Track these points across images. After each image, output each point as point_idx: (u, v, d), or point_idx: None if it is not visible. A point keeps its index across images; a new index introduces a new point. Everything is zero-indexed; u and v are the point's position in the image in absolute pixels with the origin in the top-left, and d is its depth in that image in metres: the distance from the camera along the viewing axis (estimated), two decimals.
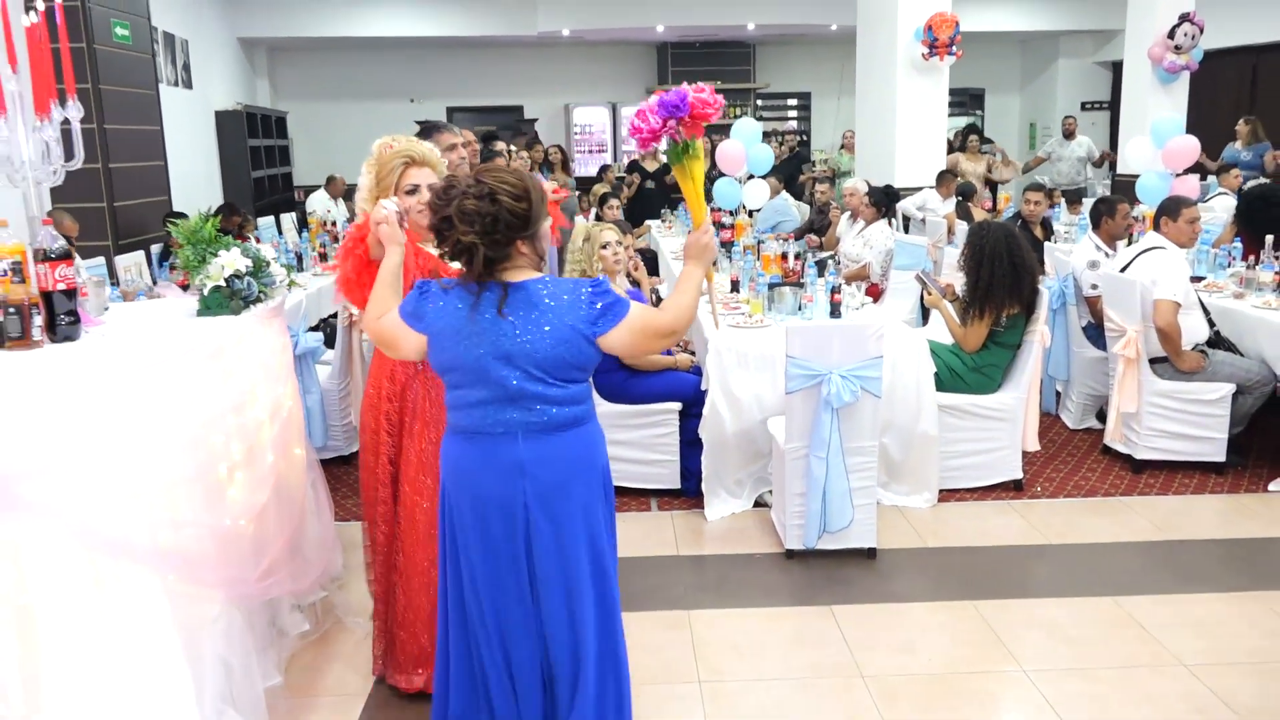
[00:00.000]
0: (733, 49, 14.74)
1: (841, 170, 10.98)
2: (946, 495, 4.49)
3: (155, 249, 7.00)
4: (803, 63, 15.27)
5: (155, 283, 5.88)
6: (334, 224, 8.26)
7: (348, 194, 10.17)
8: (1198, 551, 3.94)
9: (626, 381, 4.52)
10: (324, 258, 7.09)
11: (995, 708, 2.93)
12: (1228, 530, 4.15)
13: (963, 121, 14.06)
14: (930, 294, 4.79)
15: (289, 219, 9.82)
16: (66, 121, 3.07)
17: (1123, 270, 4.83)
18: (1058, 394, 5.68)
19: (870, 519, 3.89)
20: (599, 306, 2.20)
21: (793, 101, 15.75)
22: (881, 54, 8.97)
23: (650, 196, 9.79)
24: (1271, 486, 4.52)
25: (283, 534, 3.08)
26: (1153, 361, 4.69)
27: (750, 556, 3.97)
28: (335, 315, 5.39)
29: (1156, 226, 4.88)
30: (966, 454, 4.54)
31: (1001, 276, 4.37)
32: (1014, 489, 4.58)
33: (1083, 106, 15.05)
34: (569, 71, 14.92)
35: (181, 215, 7.15)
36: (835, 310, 4.68)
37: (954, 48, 8.54)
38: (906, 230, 8.53)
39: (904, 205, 8.72)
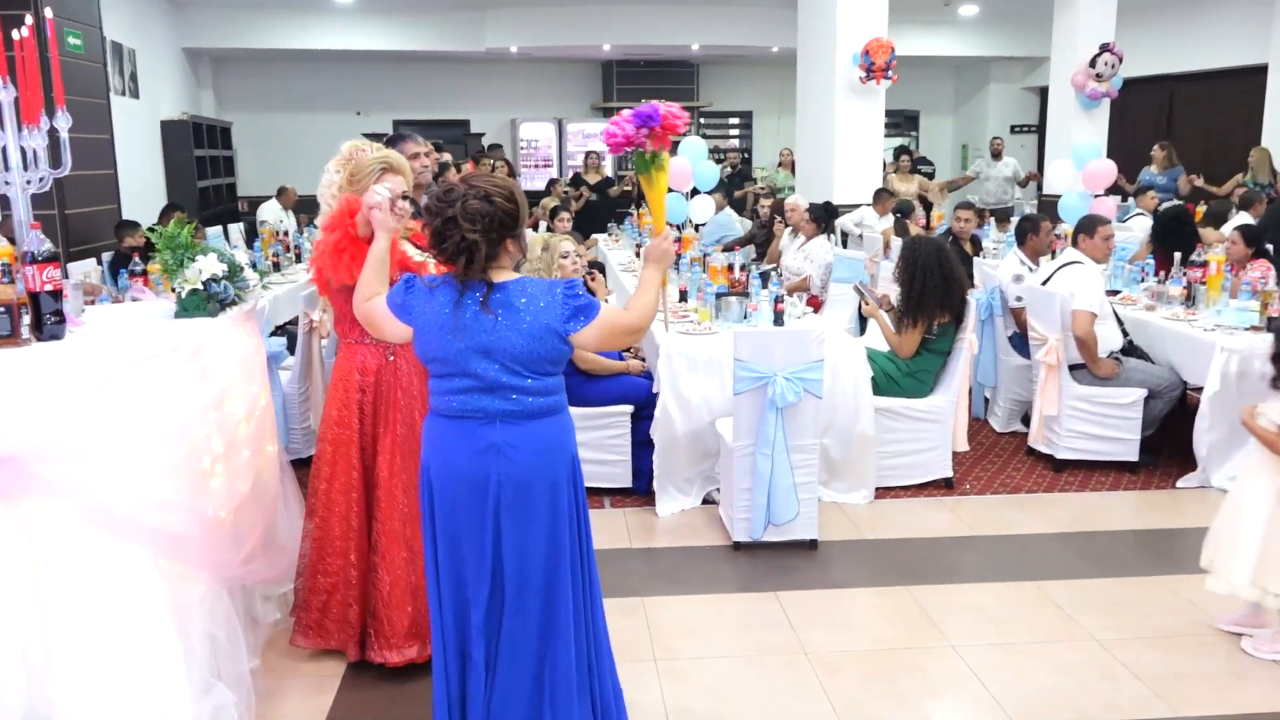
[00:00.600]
0: (676, 68, 15.07)
1: (778, 187, 11.33)
2: (883, 492, 4.77)
3: (107, 256, 7.04)
4: (744, 82, 15.66)
5: (104, 288, 5.96)
6: (286, 234, 8.35)
7: (299, 205, 10.26)
8: (1111, 541, 4.27)
9: (581, 385, 4.73)
10: (277, 267, 7.20)
11: (926, 677, 3.19)
12: (1138, 522, 4.49)
13: (898, 142, 14.56)
14: (868, 304, 5.09)
15: (237, 229, 9.88)
16: (54, 130, 3.21)
17: (1044, 283, 5.18)
18: (986, 400, 6.02)
19: (812, 512, 4.15)
20: (573, 306, 2.40)
21: (734, 120, 16.15)
22: (821, 76, 9.32)
23: (594, 210, 10.03)
24: (1179, 483, 4.88)
25: (259, 525, 3.23)
26: (1072, 368, 5.03)
27: (700, 549, 4.20)
28: (295, 321, 5.53)
29: (1075, 243, 5.24)
30: (901, 454, 4.83)
31: (933, 288, 4.68)
32: (945, 486, 4.88)
33: (1012, 129, 15.67)
34: (516, 87, 15.12)
35: (133, 224, 7.24)
36: (779, 319, 4.94)
37: (890, 72, 8.92)
38: (845, 245, 8.88)
39: (842, 221, 9.07)
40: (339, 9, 12.42)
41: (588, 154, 11.58)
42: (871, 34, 8.88)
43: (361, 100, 14.82)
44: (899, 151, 12.06)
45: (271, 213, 10.02)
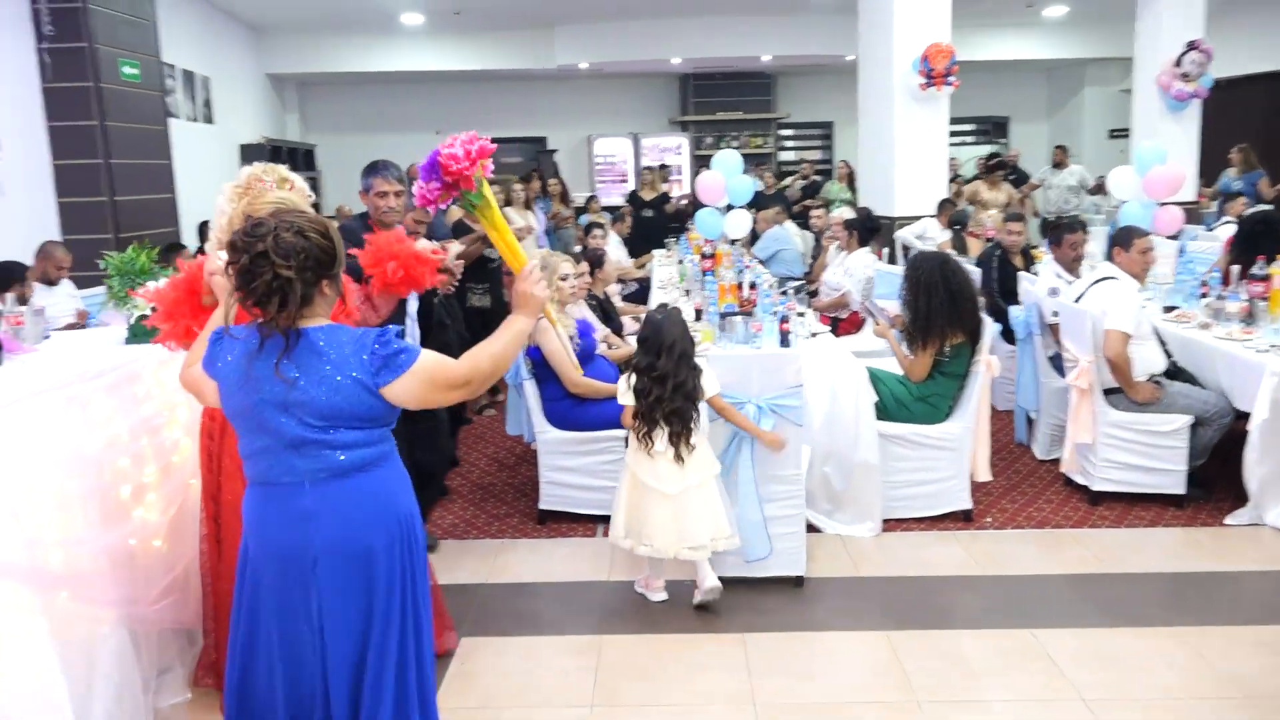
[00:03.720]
0: (753, 79, 14.85)
1: (832, 199, 10.98)
2: (895, 524, 4.48)
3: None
4: (824, 92, 15.31)
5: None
6: None
7: None
8: (1131, 585, 3.87)
9: (573, 409, 4.58)
10: None
11: None
12: (1170, 564, 4.07)
13: (984, 150, 13.98)
14: (878, 324, 4.79)
15: None
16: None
17: (1077, 300, 4.79)
18: (1030, 423, 5.61)
19: (797, 547, 3.89)
20: (382, 357, 2.12)
21: (815, 131, 15.81)
22: (880, 83, 8.99)
23: (650, 226, 9.90)
24: (1228, 520, 4.43)
25: (181, 560, 3.17)
26: (1107, 392, 4.63)
27: (680, 583, 3.98)
28: None
29: (1109, 256, 4.84)
30: (912, 484, 4.52)
31: (939, 305, 4.37)
32: (964, 519, 4.54)
33: (1110, 134, 14.89)
34: (591, 103, 15.14)
35: (181, 246, 7.42)
36: (784, 339, 4.69)
37: (951, 78, 8.53)
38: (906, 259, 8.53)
39: (903, 234, 8.71)
40: (409, 31, 12.62)
41: (644, 169, 11.45)
42: (932, 39, 8.51)
43: (441, 120, 15.04)
44: (990, 158, 11.51)
45: None
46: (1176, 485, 4.61)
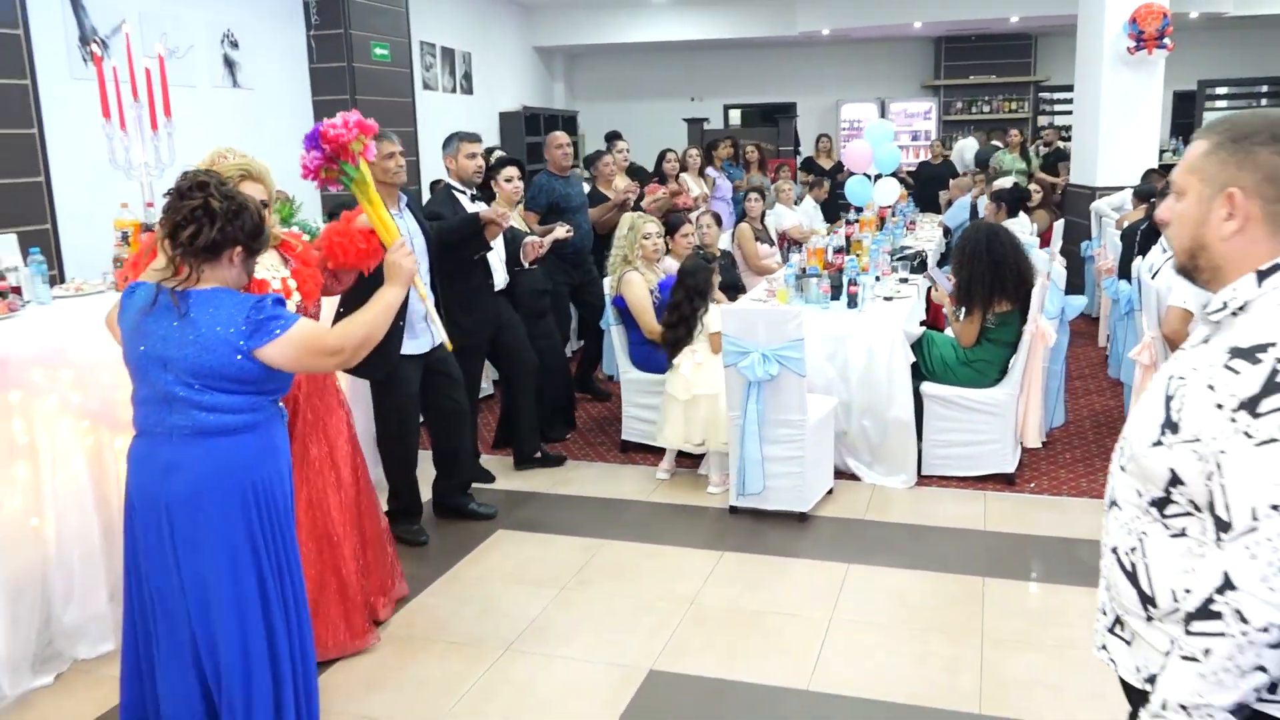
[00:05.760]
0: (1011, 41, 14.32)
1: (1003, 170, 10.52)
2: (933, 480, 4.74)
3: None
4: None
5: None
6: None
7: None
8: None
9: (651, 354, 5.18)
10: None
11: (775, 639, 3.36)
12: None
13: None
14: (937, 289, 4.99)
15: None
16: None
17: (1154, 275, 4.72)
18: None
19: (801, 486, 4.30)
20: (255, 321, 2.27)
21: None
22: (1092, 47, 8.64)
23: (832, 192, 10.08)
24: None
25: None
26: None
27: (700, 508, 4.53)
28: None
29: None
30: (954, 444, 4.74)
31: (980, 274, 4.54)
32: (1005, 482, 4.70)
33: None
34: (840, 68, 15.25)
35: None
36: (852, 301, 5.04)
37: (1165, 39, 8.07)
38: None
39: (1099, 205, 8.40)
40: (658, 3, 13.42)
41: (819, 137, 11.50)
42: None
43: (695, 87, 15.80)
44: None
45: None
46: None
